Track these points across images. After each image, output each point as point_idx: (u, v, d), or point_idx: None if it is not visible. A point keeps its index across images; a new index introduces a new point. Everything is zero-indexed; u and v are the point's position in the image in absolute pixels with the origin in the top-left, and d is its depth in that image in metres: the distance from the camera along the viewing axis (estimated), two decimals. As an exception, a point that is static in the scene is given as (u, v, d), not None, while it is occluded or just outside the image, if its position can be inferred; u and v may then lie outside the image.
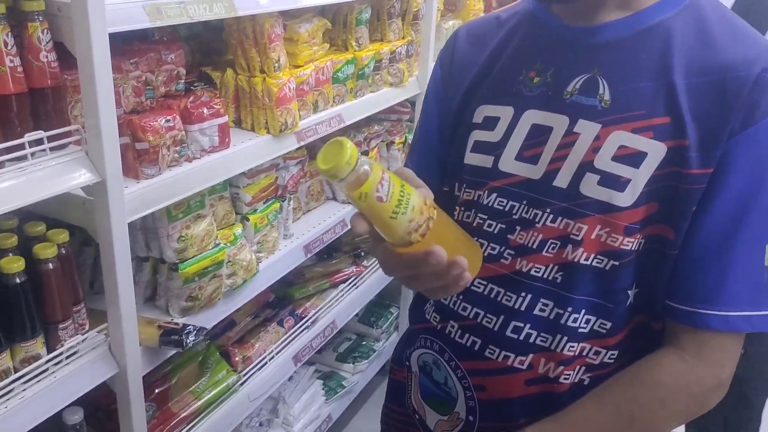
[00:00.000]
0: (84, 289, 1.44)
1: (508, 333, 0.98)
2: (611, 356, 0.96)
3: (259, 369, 2.06)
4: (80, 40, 1.19)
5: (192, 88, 1.71)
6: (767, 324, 0.89)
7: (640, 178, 0.89)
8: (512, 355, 0.98)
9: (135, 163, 1.44)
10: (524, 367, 0.98)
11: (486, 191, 1.02)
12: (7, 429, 1.23)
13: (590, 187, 0.91)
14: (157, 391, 1.78)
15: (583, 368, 0.97)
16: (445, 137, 1.12)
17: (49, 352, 1.33)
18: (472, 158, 1.04)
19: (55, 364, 1.34)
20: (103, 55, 1.20)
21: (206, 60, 1.94)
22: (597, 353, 0.96)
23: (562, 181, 0.94)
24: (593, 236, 0.92)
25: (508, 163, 0.99)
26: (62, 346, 1.34)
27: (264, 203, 1.96)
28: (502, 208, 1.00)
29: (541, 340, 0.97)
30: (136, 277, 1.67)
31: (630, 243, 0.90)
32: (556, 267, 0.95)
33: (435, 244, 0.78)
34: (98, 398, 1.58)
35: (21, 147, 1.18)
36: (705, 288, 0.89)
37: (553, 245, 0.95)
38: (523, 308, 0.97)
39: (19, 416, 1.25)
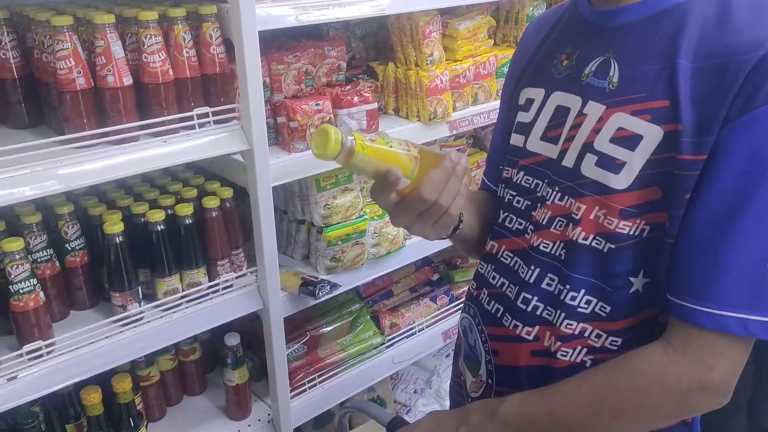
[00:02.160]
0: (244, 237, 1.79)
1: (519, 303, 1.05)
2: (613, 342, 0.97)
3: (407, 337, 2.26)
4: (236, 37, 1.51)
5: (354, 79, 1.98)
6: (766, 331, 0.82)
7: (635, 161, 0.89)
8: (521, 325, 1.04)
9: (288, 138, 1.75)
10: (530, 338, 1.03)
11: (517, 169, 1.09)
12: (170, 333, 1.61)
13: (589, 168, 0.94)
14: (309, 335, 2.09)
15: (585, 350, 0.98)
16: (506, 124, 1.20)
17: (210, 281, 1.70)
18: (513, 138, 1.13)
19: (214, 292, 1.70)
20: (253, 49, 1.51)
21: (380, 55, 2.19)
22: (598, 336, 0.97)
23: (569, 160, 0.98)
24: (591, 216, 0.94)
25: (535, 142, 1.06)
26: (219, 278, 1.70)
27: (417, 185, 2.15)
28: (528, 185, 1.07)
29: (547, 314, 1.01)
30: (296, 237, 2.00)
31: (627, 227, 0.91)
32: (562, 244, 0.99)
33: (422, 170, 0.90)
34: (256, 328, 1.93)
35: (192, 118, 1.54)
36: (695, 282, 0.85)
37: (559, 222, 0.99)
38: (532, 281, 1.03)
39: (180, 326, 1.63)
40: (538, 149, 1.05)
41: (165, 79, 1.49)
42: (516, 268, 1.07)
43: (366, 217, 1.96)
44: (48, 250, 1.53)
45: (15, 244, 1.38)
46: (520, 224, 1.07)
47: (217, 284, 1.70)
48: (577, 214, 0.96)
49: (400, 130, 1.96)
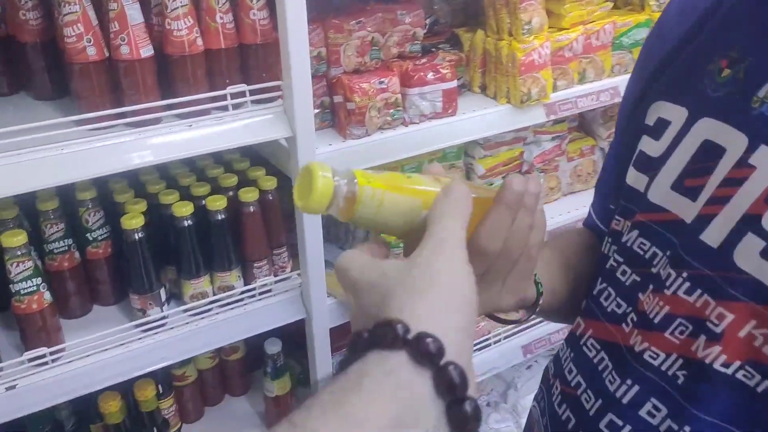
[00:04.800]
0: (289, 233, 1.55)
1: (602, 426, 0.72)
2: None
3: (479, 349, 1.97)
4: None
5: (432, 50, 1.65)
6: None
7: None
8: None
9: (344, 122, 1.46)
10: None
11: (631, 224, 0.74)
12: (196, 342, 1.41)
13: (749, 257, 0.59)
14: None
15: None
16: (624, 145, 0.85)
17: (245, 285, 1.48)
18: (630, 175, 0.77)
19: (250, 297, 1.48)
20: (297, 13, 1.22)
21: (470, 20, 1.84)
22: None
23: (713, 235, 0.62)
24: (741, 334, 0.59)
25: (662, 191, 0.70)
26: (255, 282, 1.47)
27: (503, 178, 1.81)
28: (641, 253, 0.72)
29: None
30: (353, 235, 1.73)
31: None
32: (681, 361, 0.64)
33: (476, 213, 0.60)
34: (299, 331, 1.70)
35: (225, 98, 1.29)
36: None
37: (681, 327, 0.64)
38: (626, 401, 0.69)
39: (207, 335, 1.42)
40: (665, 202, 0.69)
41: (192, 50, 1.24)
42: (602, 369, 0.74)
43: (436, 216, 1.65)
44: (66, 240, 1.36)
45: (16, 239, 1.20)
46: (619, 306, 0.73)
47: (253, 288, 1.47)
48: (717, 325, 0.61)
49: (484, 114, 1.62)
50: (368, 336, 0.44)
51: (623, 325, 0.72)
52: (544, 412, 0.84)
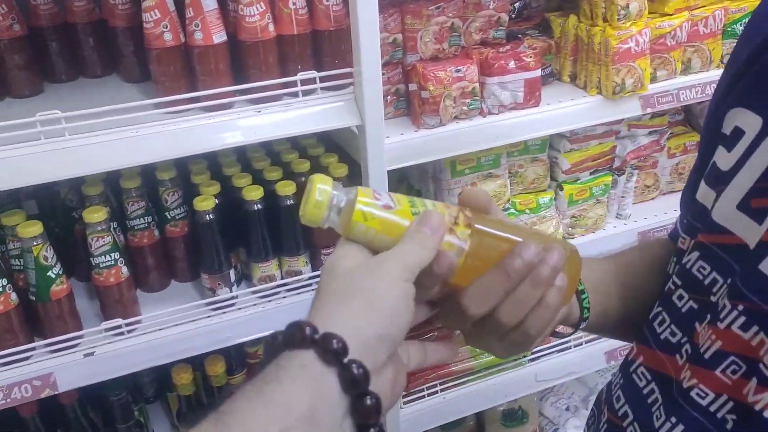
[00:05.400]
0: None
1: None
2: None
3: (558, 352, 1.88)
4: (349, -16, 1.20)
5: (519, 36, 1.57)
6: None
7: None
8: None
9: (418, 111, 1.42)
10: None
11: (693, 244, 0.66)
12: (262, 324, 1.44)
13: None
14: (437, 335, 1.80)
15: None
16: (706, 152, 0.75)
17: (312, 271, 1.48)
18: (700, 189, 0.68)
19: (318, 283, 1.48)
20: (368, 1, 1.18)
21: (565, 3, 1.73)
22: None
23: None
24: None
25: (726, 209, 0.61)
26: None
27: (591, 174, 1.70)
28: (701, 277, 0.64)
29: None
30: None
31: None
32: (731, 404, 0.57)
33: (486, 253, 0.58)
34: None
35: (296, 84, 1.28)
36: None
37: (734, 366, 0.57)
38: None
39: (274, 317, 1.45)
40: (729, 223, 0.60)
41: (264, 35, 1.24)
42: (651, 402, 0.67)
43: (513, 210, 1.58)
44: (146, 218, 1.42)
45: (96, 215, 1.26)
46: (674, 335, 0.66)
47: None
48: None
49: (570, 106, 1.52)
50: (282, 337, 0.50)
51: (677, 356, 0.64)
52: None
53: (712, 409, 0.58)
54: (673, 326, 0.66)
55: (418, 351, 0.63)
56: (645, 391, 0.68)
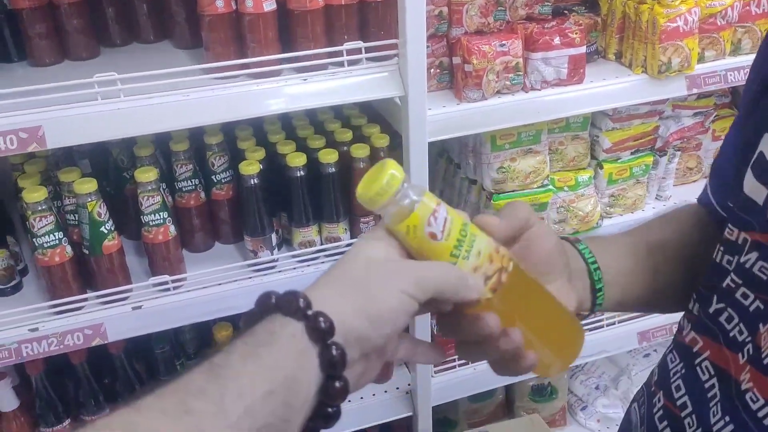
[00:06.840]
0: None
1: None
2: None
3: (591, 330, 1.89)
4: (398, -45, 1.22)
5: (565, 12, 1.56)
6: None
7: None
8: None
9: (461, 84, 1.44)
10: None
11: (750, 243, 0.65)
12: (303, 287, 1.48)
13: None
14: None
15: None
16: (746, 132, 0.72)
17: (351, 238, 1.52)
18: (747, 182, 0.66)
19: (355, 250, 1.52)
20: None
21: (615, -19, 1.71)
22: None
23: None
24: None
25: None
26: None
27: (632, 153, 1.69)
28: (764, 278, 0.62)
29: None
30: (466, 198, 1.71)
31: None
32: None
33: (506, 308, 0.60)
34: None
35: (342, 54, 1.31)
36: None
37: None
38: None
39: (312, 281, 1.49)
40: None
41: (312, 5, 1.27)
42: (710, 398, 0.67)
43: (551, 187, 1.59)
44: (193, 180, 1.48)
45: (146, 175, 1.32)
46: (741, 333, 0.64)
47: (359, 242, 1.51)
48: None
49: (614, 84, 1.51)
50: (275, 301, 0.53)
51: (740, 354, 0.63)
52: (643, 421, 0.78)
53: (760, 415, 0.59)
54: (741, 325, 0.65)
55: (408, 347, 0.63)
56: (707, 386, 0.68)
